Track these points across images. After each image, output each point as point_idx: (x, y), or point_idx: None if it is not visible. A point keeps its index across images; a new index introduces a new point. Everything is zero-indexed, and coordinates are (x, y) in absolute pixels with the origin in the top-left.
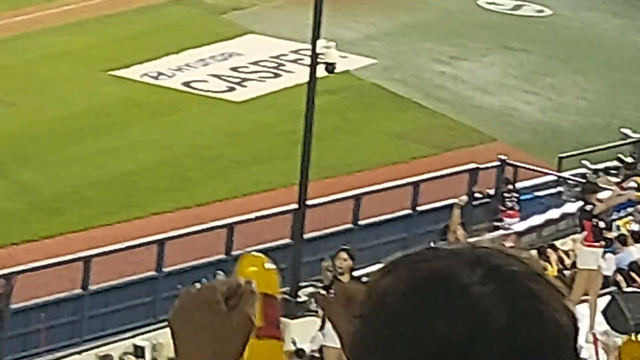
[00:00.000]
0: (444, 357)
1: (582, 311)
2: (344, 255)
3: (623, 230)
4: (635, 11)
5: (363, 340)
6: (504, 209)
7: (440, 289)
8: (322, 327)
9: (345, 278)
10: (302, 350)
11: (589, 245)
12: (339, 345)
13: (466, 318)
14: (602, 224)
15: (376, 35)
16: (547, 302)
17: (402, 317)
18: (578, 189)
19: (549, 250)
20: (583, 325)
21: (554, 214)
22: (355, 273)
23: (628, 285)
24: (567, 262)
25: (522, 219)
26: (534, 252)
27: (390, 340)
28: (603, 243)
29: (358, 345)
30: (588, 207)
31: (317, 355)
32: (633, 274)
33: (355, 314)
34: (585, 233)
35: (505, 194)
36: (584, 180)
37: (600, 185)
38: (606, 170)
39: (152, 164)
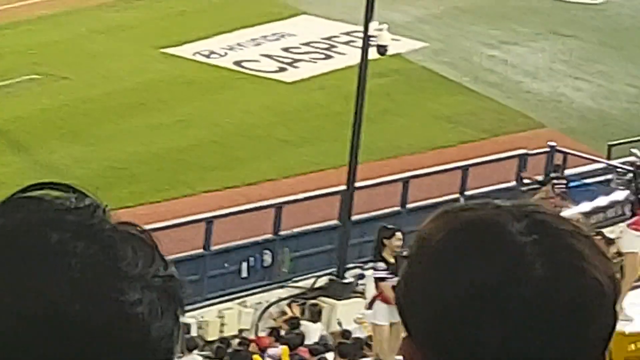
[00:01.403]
0: (480, 299)
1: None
2: (399, 235)
3: None
4: None
5: (408, 281)
6: (552, 195)
7: (482, 233)
8: (370, 307)
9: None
10: (348, 331)
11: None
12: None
13: (505, 262)
14: None
15: (427, 18)
16: (589, 260)
17: (443, 258)
18: (627, 177)
19: (597, 237)
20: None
21: (602, 201)
22: None
23: None
24: (613, 250)
25: (570, 205)
26: None
27: (432, 280)
28: None
29: (404, 287)
30: None
31: (362, 337)
32: None
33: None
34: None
35: (554, 181)
36: (632, 168)
37: None
38: None
39: (202, 142)
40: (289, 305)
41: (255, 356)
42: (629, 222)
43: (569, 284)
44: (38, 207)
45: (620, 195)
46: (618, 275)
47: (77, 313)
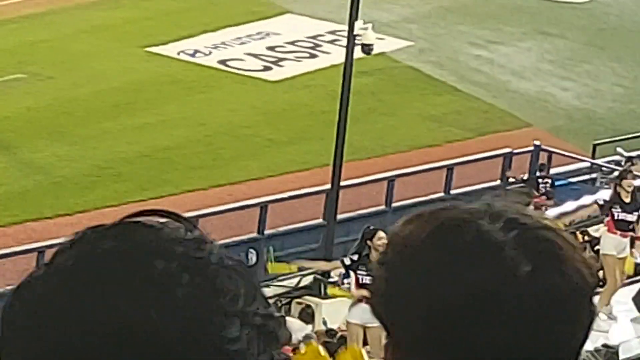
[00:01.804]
0: (471, 300)
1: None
2: (382, 234)
3: None
4: None
5: (389, 287)
6: (537, 194)
7: (461, 234)
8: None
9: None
10: (333, 330)
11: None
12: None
13: (489, 263)
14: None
15: (413, 17)
16: (567, 252)
17: (422, 262)
18: (612, 175)
19: (580, 236)
20: None
21: (587, 200)
22: None
23: None
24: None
25: (555, 204)
26: None
27: (417, 284)
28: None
29: (385, 293)
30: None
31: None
32: None
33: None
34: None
35: (539, 180)
36: (618, 167)
37: (634, 172)
38: None
39: (187, 141)
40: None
41: None
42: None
43: (553, 279)
44: (148, 234)
45: (605, 194)
46: (597, 271)
47: (177, 342)
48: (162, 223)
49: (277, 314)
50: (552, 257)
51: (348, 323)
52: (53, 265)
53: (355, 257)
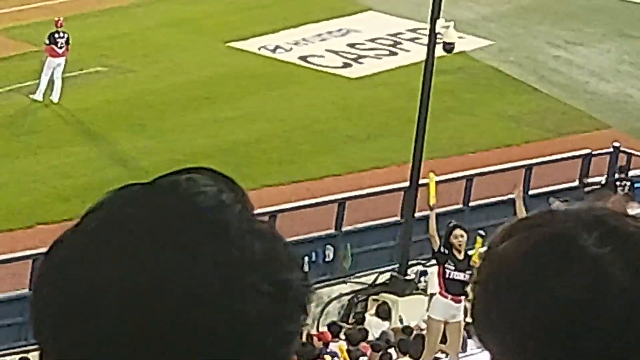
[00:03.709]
0: (563, 319)
1: None
2: (460, 232)
3: None
4: None
5: (486, 304)
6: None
7: (557, 251)
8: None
9: (461, 255)
10: (409, 327)
11: None
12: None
13: (585, 279)
14: None
15: (493, 16)
16: None
17: (520, 280)
18: None
19: None
20: None
21: None
22: None
23: None
24: None
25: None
26: None
27: (510, 303)
28: None
29: (483, 310)
30: None
31: (424, 334)
32: None
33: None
34: None
35: (617, 182)
36: None
37: None
38: None
39: (265, 136)
40: (352, 300)
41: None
42: None
43: None
44: (171, 197)
45: None
46: None
47: (192, 304)
48: (193, 183)
49: (304, 279)
50: None
51: (429, 318)
52: (79, 227)
53: (445, 251)
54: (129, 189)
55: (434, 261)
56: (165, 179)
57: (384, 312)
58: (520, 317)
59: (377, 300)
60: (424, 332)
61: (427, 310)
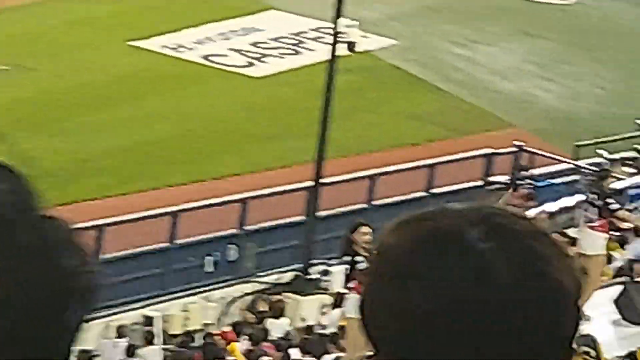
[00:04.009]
0: (446, 312)
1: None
2: (366, 229)
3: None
4: None
5: (372, 296)
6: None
7: (443, 245)
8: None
9: (366, 252)
10: (311, 327)
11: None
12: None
13: (468, 273)
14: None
15: (397, 16)
16: (550, 261)
17: (404, 272)
18: (593, 177)
19: (561, 238)
20: None
21: (568, 201)
22: None
23: None
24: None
25: (536, 206)
26: None
27: (395, 296)
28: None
29: (369, 303)
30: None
31: (327, 333)
32: None
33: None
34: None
35: (519, 180)
36: (598, 169)
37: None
38: (622, 161)
39: (169, 136)
40: (255, 300)
41: (232, 344)
42: (592, 224)
43: (532, 290)
44: None
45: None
46: (580, 275)
47: None
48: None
49: (83, 267)
50: (535, 264)
51: (349, 318)
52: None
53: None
54: None
55: (337, 260)
56: None
57: (276, 311)
58: (401, 308)
59: (279, 300)
60: (326, 332)
61: (344, 309)
